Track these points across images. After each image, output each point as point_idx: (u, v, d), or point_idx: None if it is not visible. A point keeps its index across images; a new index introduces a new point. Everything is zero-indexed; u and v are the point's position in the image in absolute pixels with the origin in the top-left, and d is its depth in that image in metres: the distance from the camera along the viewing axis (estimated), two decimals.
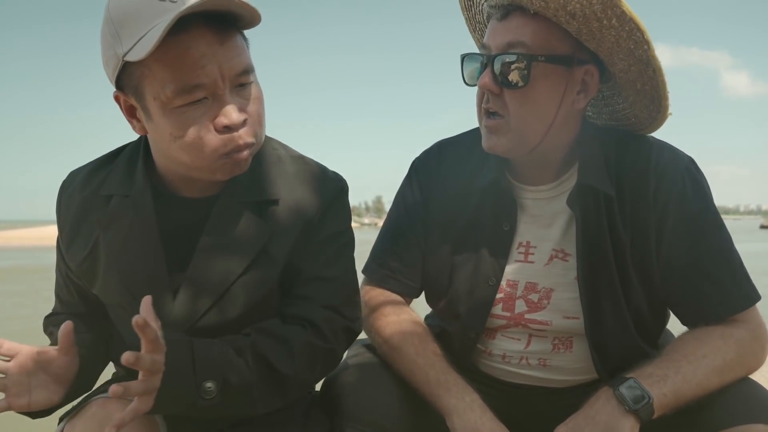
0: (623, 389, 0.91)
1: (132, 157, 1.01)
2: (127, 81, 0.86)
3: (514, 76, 0.97)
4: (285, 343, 0.93)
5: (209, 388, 0.85)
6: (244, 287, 0.95)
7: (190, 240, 0.96)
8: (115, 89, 0.89)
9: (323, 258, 0.99)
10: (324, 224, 1.00)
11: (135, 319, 0.76)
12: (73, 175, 1.05)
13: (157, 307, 0.93)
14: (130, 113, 0.91)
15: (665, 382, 0.91)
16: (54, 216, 1.05)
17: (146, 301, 0.81)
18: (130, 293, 0.96)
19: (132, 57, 0.81)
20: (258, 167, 0.98)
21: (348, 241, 1.04)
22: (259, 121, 0.91)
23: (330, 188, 1.02)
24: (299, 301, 0.98)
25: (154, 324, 0.82)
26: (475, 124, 1.10)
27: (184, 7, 0.79)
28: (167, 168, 0.96)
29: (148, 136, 0.93)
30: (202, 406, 0.85)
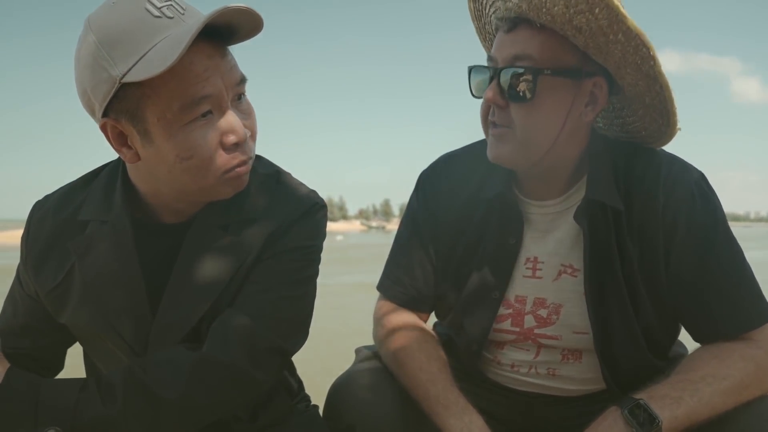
0: (631, 411, 0.88)
1: (109, 182, 0.97)
2: (121, 105, 0.83)
3: (520, 89, 0.96)
4: (170, 365, 0.87)
5: None
6: (218, 313, 0.92)
7: (169, 266, 0.93)
8: (100, 118, 0.85)
9: (267, 267, 0.94)
10: (284, 238, 0.95)
11: None
12: (45, 198, 1.02)
13: (136, 336, 0.92)
14: (120, 141, 0.87)
15: (679, 405, 0.88)
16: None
17: None
18: (107, 322, 0.93)
19: (136, 77, 0.78)
20: None
21: (305, 258, 0.97)
22: (255, 135, 0.92)
23: (301, 204, 0.98)
24: (227, 310, 0.92)
25: None
26: (480, 132, 1.09)
27: (203, 21, 0.77)
28: (155, 193, 0.93)
29: (140, 162, 0.89)
30: None
